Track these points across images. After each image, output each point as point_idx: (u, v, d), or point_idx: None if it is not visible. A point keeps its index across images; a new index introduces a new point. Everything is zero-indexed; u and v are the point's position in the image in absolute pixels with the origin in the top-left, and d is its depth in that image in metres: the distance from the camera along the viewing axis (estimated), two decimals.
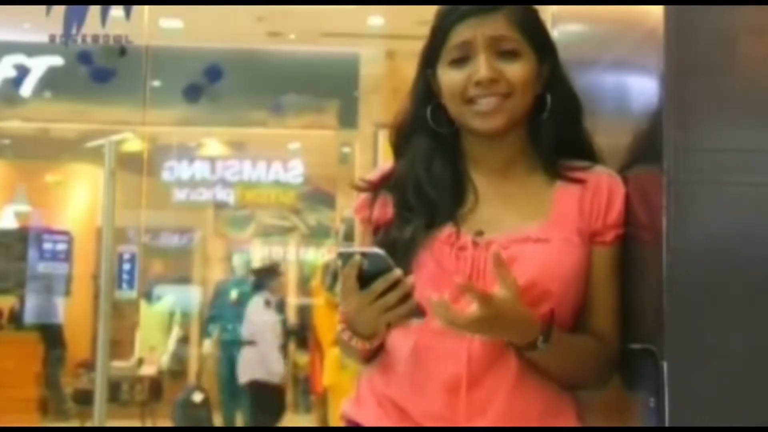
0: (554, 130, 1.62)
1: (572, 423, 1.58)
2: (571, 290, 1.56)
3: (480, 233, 1.58)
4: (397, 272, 1.46)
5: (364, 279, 1.47)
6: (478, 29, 1.58)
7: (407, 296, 1.47)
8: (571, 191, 1.61)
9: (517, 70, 1.58)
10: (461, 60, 1.59)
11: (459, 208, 1.61)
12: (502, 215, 1.61)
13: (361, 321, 1.54)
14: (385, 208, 1.66)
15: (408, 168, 1.66)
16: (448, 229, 1.58)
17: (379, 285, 1.46)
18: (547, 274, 1.53)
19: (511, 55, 1.58)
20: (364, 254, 1.47)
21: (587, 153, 1.66)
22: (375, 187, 1.69)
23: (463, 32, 1.59)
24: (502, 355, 1.54)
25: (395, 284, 1.46)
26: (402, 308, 1.48)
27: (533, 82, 1.60)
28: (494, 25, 1.58)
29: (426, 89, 1.66)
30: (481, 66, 1.57)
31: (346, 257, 1.47)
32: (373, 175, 1.72)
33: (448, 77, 1.61)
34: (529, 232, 1.56)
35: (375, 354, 1.64)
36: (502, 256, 1.50)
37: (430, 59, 1.64)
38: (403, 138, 1.70)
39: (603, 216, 1.59)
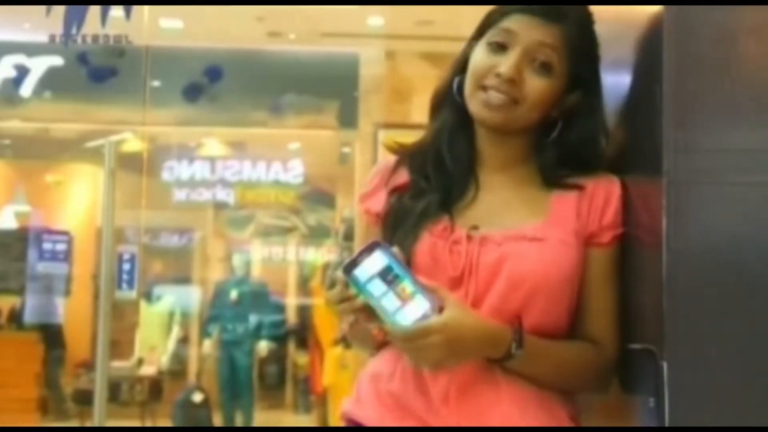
0: (559, 152, 1.62)
1: (564, 423, 1.58)
2: (565, 292, 1.56)
3: (475, 228, 1.58)
4: (351, 292, 1.45)
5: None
6: (529, 28, 1.57)
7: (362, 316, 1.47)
8: (569, 196, 1.61)
9: (538, 86, 1.58)
10: (499, 46, 1.59)
11: (459, 200, 1.62)
12: (499, 213, 1.61)
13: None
14: (402, 176, 1.67)
15: (433, 138, 1.67)
16: (443, 223, 1.58)
17: (336, 293, 1.47)
18: (539, 273, 1.53)
19: (543, 68, 1.57)
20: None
21: (593, 169, 1.65)
22: (404, 154, 1.70)
23: (516, 22, 1.58)
24: (486, 366, 1.54)
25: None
26: (353, 329, 1.50)
27: (548, 103, 1.60)
28: (547, 33, 1.57)
29: (464, 60, 1.65)
30: (509, 62, 1.57)
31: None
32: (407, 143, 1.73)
33: (479, 56, 1.61)
34: (524, 231, 1.56)
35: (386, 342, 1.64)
36: (496, 252, 1.52)
37: (479, 32, 1.64)
38: (437, 105, 1.70)
39: (599, 217, 1.59)
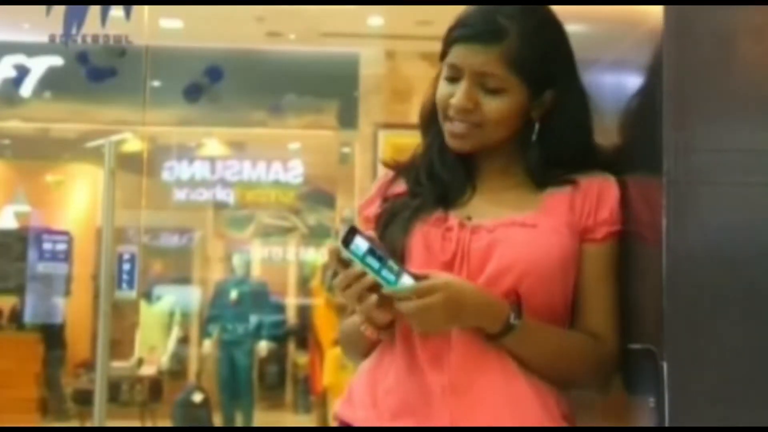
0: (545, 151, 1.64)
1: (557, 422, 1.58)
2: (557, 278, 1.57)
3: (468, 218, 1.61)
4: (355, 270, 1.48)
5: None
6: (468, 58, 1.59)
7: (369, 292, 1.49)
8: (562, 192, 1.63)
9: (495, 106, 1.60)
10: (452, 79, 1.62)
11: (455, 201, 1.65)
12: (493, 206, 1.64)
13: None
14: (399, 186, 1.71)
15: (425, 151, 1.71)
16: (437, 215, 1.62)
17: (341, 279, 1.50)
18: (530, 257, 1.55)
19: (494, 91, 1.59)
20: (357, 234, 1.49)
21: (589, 167, 1.65)
22: (400, 168, 1.73)
23: (457, 55, 1.61)
24: (483, 358, 1.55)
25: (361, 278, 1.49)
26: (363, 305, 1.50)
27: (513, 117, 1.61)
28: (484, 60, 1.58)
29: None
30: (459, 93, 1.60)
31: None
32: (403, 158, 1.76)
33: (439, 88, 1.65)
34: (515, 218, 1.59)
35: (376, 345, 1.65)
36: (487, 238, 1.55)
37: (441, 60, 1.67)
38: (426, 122, 1.73)
39: (594, 213, 1.61)
